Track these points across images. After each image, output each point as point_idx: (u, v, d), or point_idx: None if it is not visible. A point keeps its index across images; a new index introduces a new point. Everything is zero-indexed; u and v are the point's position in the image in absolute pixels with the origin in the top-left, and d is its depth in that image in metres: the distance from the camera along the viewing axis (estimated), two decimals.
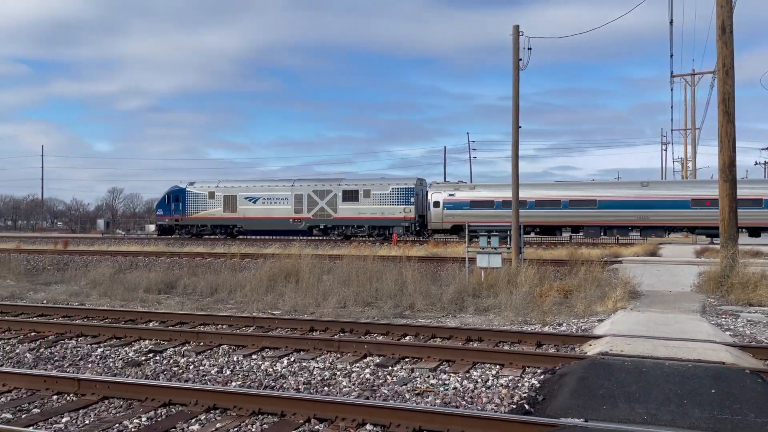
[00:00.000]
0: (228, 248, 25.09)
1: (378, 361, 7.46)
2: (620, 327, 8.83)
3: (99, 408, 5.72)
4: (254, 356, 7.87)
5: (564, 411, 5.04)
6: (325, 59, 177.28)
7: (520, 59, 18.03)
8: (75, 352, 8.17)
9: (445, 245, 28.48)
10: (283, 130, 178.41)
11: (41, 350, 8.31)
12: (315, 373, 7.05)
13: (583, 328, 9.60)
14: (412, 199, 35.31)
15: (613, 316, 9.96)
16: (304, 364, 7.43)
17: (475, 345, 8.34)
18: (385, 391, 6.27)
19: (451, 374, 6.87)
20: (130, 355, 8.04)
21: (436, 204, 34.90)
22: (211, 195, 40.28)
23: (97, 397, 5.91)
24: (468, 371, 6.98)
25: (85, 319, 10.40)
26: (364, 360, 7.56)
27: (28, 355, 8.04)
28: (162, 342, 8.65)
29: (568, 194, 33.35)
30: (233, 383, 6.63)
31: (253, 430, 5.13)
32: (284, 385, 6.54)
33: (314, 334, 9.17)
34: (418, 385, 6.47)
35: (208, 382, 6.66)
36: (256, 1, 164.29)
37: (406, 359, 7.52)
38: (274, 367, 7.32)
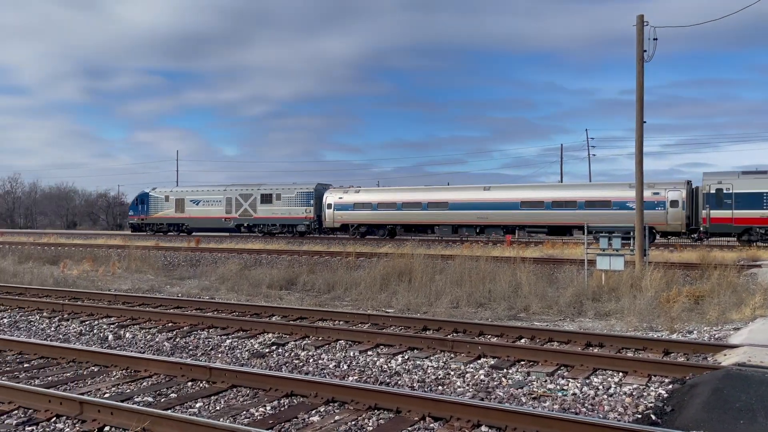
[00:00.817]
0: (344, 247, 25.85)
1: (492, 362, 7.37)
2: (760, 336, 8.10)
3: (228, 395, 6.11)
4: (369, 352, 8.05)
5: (696, 423, 4.72)
6: (438, 59, 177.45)
7: (645, 50, 17.03)
8: (207, 343, 8.79)
9: (561, 246, 27.52)
10: (395, 132, 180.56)
11: (177, 340, 9.02)
12: (429, 371, 7.09)
13: (716, 336, 8.91)
14: (312, 202, 41.06)
15: (751, 325, 9.16)
16: (418, 362, 7.51)
17: (596, 350, 8.00)
18: (500, 394, 6.18)
19: (570, 379, 6.64)
20: (255, 346, 8.52)
21: (329, 206, 40.06)
22: (167, 198, 46.52)
23: (226, 385, 6.32)
24: (588, 377, 6.72)
25: (215, 312, 11.15)
26: (478, 361, 7.50)
27: (166, 344, 8.76)
28: (284, 335, 9.09)
29: (426, 197, 37.76)
30: (350, 378, 6.82)
31: (370, 424, 5.25)
32: (399, 382, 6.65)
33: (427, 333, 9.22)
34: (535, 389, 6.32)
35: (327, 376, 6.90)
36: (370, 5, 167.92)
37: (522, 362, 7.37)
38: (389, 364, 7.45)
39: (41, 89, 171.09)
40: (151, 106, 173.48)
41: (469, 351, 7.78)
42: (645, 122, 17.24)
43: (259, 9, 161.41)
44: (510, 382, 6.62)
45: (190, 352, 8.19)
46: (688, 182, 32.08)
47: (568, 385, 6.48)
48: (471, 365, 7.32)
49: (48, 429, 5.14)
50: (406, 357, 7.74)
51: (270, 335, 9.17)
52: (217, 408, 5.74)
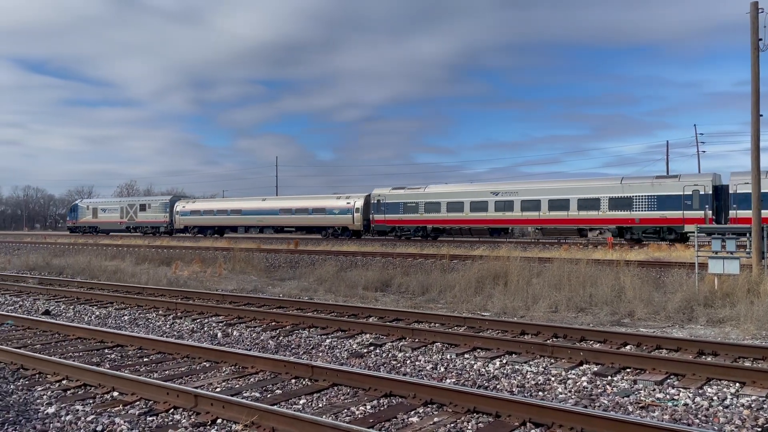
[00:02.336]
0: (438, 249, 25.85)
1: (596, 369, 7.13)
2: None
3: (330, 393, 6.30)
4: (466, 355, 8.02)
5: None
6: (533, 56, 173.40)
7: (760, 39, 15.81)
8: (308, 342, 9.10)
9: (669, 248, 26.07)
10: (488, 132, 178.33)
11: (280, 338, 9.39)
12: (528, 376, 6.96)
13: None
14: (167, 209, 53.95)
15: None
16: (516, 366, 7.39)
17: (709, 359, 7.53)
18: (605, 402, 5.97)
19: (681, 389, 6.30)
20: (354, 346, 8.72)
21: (176, 212, 52.91)
22: (87, 207, 61.10)
23: (327, 384, 6.52)
24: (701, 387, 6.35)
25: (315, 312, 11.51)
26: (580, 367, 7.27)
27: (270, 342, 9.15)
28: (381, 336, 9.24)
29: (231, 206, 51.22)
30: (447, 380, 6.83)
31: (469, 427, 5.24)
32: (497, 387, 6.57)
33: (526, 337, 9.05)
34: (642, 398, 6.05)
35: (424, 377, 6.95)
36: (463, 5, 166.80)
37: (627, 369, 7.08)
38: (487, 368, 7.39)
39: (152, 101, 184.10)
40: (251, 114, 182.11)
41: (570, 357, 7.56)
42: (761, 115, 16.00)
43: (351, 15, 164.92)
44: (615, 390, 6.38)
45: (293, 351, 8.51)
46: None
47: (678, 395, 6.15)
48: (572, 371, 7.11)
49: (166, 420, 5.52)
50: (504, 361, 7.64)
51: (367, 336, 9.34)
52: (320, 405, 5.93)
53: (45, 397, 6.18)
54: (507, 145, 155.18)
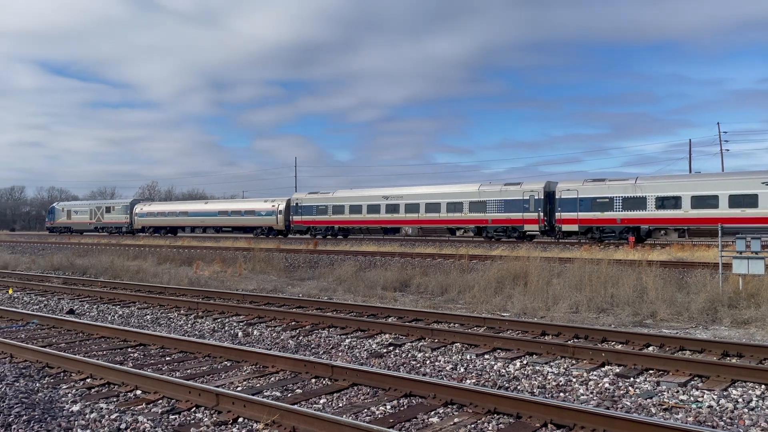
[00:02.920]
0: (456, 249, 25.77)
1: (618, 370, 7.06)
2: None
3: (350, 393, 6.32)
4: (486, 356, 7.99)
5: None
6: (552, 55, 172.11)
7: None
8: (327, 341, 9.13)
9: (691, 249, 25.70)
10: (507, 131, 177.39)
11: (300, 338, 9.44)
12: (549, 377, 6.92)
13: None
14: (128, 211, 59.53)
15: None
16: (537, 367, 7.34)
17: (734, 361, 7.41)
18: (627, 403, 5.91)
19: (705, 391, 6.21)
20: (374, 346, 8.73)
21: (135, 214, 58.49)
22: (62, 209, 67.35)
23: (347, 383, 6.54)
24: (725, 389, 6.25)
25: (334, 312, 11.54)
26: (602, 368, 7.21)
27: (290, 341, 9.20)
28: (400, 336, 9.24)
29: (178, 208, 57.18)
30: (467, 381, 6.81)
31: (490, 428, 5.22)
32: (518, 387, 6.54)
33: (546, 338, 8.99)
34: (666, 400, 5.98)
35: (444, 378, 6.94)
36: (480, 4, 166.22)
37: (650, 371, 7.00)
38: (507, 369, 7.35)
39: (172, 103, 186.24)
40: (270, 115, 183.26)
41: (591, 358, 7.50)
42: None
43: (368, 15, 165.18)
44: (638, 391, 6.31)
45: (313, 350, 8.54)
46: None
47: (702, 396, 6.06)
48: (594, 372, 7.05)
49: (189, 418, 5.57)
50: (525, 362, 7.60)
51: (387, 336, 9.35)
52: (340, 405, 5.95)
53: (70, 395, 6.28)
54: (525, 145, 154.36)
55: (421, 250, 27.25)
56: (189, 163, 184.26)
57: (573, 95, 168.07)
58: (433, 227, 40.66)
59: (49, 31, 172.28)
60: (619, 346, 8.32)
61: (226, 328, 10.37)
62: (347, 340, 9.15)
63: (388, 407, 5.80)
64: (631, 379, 6.74)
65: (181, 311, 12.18)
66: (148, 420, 5.41)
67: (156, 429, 5.22)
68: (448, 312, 11.34)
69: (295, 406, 5.48)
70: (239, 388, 6.49)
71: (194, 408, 5.77)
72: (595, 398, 6.11)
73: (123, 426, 5.28)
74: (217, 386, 6.33)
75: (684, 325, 10.27)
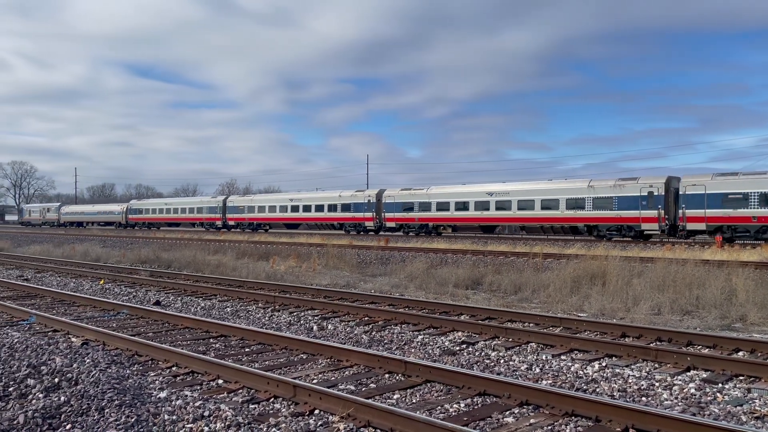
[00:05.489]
0: (530, 248, 25.26)
1: (704, 375, 6.73)
2: None
3: (423, 389, 6.33)
4: (563, 357, 7.80)
5: None
6: (632, 45, 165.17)
7: None
8: (400, 337, 9.18)
9: None
10: (584, 126, 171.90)
11: (373, 333, 9.54)
12: (630, 381, 6.68)
13: None
14: (58, 210, 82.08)
15: None
16: (617, 370, 7.11)
17: None
18: (715, 410, 5.62)
19: None
20: (446, 344, 8.70)
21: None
22: (37, 209, 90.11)
23: (420, 380, 6.55)
24: None
25: (406, 309, 11.59)
26: (687, 373, 6.89)
27: (363, 336, 9.31)
28: (473, 334, 9.17)
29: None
30: (543, 381, 6.67)
31: (567, 431, 5.10)
32: (597, 390, 6.35)
33: (626, 340, 8.67)
34: (757, 408, 5.64)
35: (519, 378, 6.83)
36: None
37: (740, 377, 6.63)
38: (585, 370, 7.15)
39: (248, 102, 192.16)
40: (342, 113, 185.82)
41: (676, 362, 7.18)
42: None
43: (438, 10, 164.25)
44: (726, 398, 5.99)
45: (386, 346, 8.61)
46: None
47: None
48: (679, 377, 6.75)
49: (267, 408, 5.75)
50: (604, 364, 7.37)
51: (460, 333, 9.30)
52: (413, 401, 5.97)
53: (157, 382, 6.62)
54: (604, 140, 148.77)
55: (493, 247, 26.89)
56: (264, 161, 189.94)
57: (655, 87, 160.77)
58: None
59: (133, 34, 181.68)
60: (705, 351, 7.92)
61: (302, 322, 10.62)
62: (420, 337, 9.17)
63: (462, 405, 5.77)
64: (719, 384, 6.41)
65: (259, 304, 12.58)
66: (229, 408, 5.62)
67: (237, 417, 5.42)
68: (522, 311, 11.14)
69: (370, 400, 5.55)
70: (315, 381, 6.64)
71: (273, 398, 5.95)
72: (679, 404, 5.85)
73: (206, 413, 5.51)
74: (294, 378, 6.50)
75: None
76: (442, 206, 41.12)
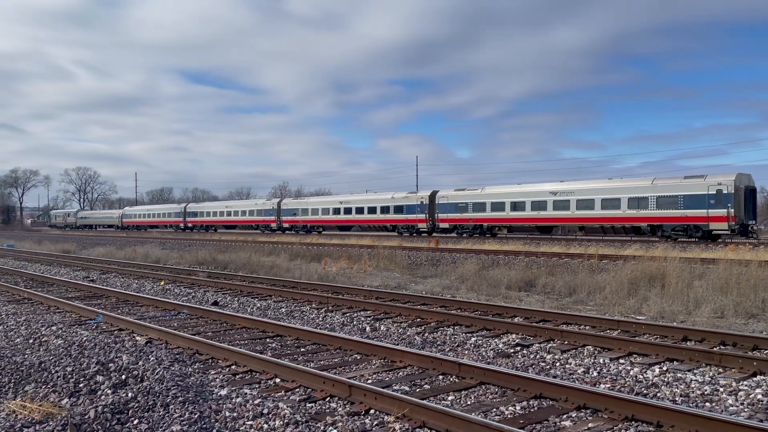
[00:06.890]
0: (585, 249, 24.74)
1: None
2: None
3: (477, 391, 6.31)
4: (621, 360, 7.63)
5: None
6: (690, 39, 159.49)
7: None
8: (453, 339, 9.17)
9: None
10: (641, 124, 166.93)
11: (426, 335, 9.56)
12: (693, 386, 6.48)
13: None
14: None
15: None
16: (678, 375, 6.91)
17: None
18: None
19: None
20: (500, 346, 8.64)
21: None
22: (61, 214, 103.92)
23: (475, 382, 6.53)
24: None
25: (459, 310, 11.55)
26: (754, 378, 6.64)
27: (416, 337, 9.34)
28: (527, 337, 9.07)
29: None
30: (601, 385, 6.55)
31: None
32: (658, 395, 6.19)
33: (688, 343, 8.41)
34: None
35: (576, 381, 6.72)
36: None
37: None
38: (645, 374, 6.98)
39: (298, 106, 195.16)
40: (390, 115, 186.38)
41: (741, 366, 6.93)
42: None
43: (486, 9, 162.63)
44: None
45: (438, 347, 8.62)
46: None
47: None
48: (744, 382, 6.51)
49: (324, 407, 5.86)
50: (665, 368, 7.17)
51: (513, 336, 9.22)
52: (468, 403, 5.96)
53: (218, 380, 6.83)
54: (661, 137, 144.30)
55: (546, 249, 26.44)
56: (314, 163, 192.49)
57: (715, 82, 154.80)
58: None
59: (186, 42, 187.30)
60: None
61: (355, 323, 10.73)
62: (473, 339, 9.13)
63: (518, 408, 5.73)
64: None
65: (313, 305, 12.77)
66: (287, 407, 5.75)
67: (295, 416, 5.54)
68: (578, 313, 10.94)
69: (425, 401, 5.58)
70: (369, 381, 6.71)
71: (329, 398, 6.06)
72: (746, 410, 5.64)
73: (265, 411, 5.65)
74: (349, 378, 6.59)
75: None
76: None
